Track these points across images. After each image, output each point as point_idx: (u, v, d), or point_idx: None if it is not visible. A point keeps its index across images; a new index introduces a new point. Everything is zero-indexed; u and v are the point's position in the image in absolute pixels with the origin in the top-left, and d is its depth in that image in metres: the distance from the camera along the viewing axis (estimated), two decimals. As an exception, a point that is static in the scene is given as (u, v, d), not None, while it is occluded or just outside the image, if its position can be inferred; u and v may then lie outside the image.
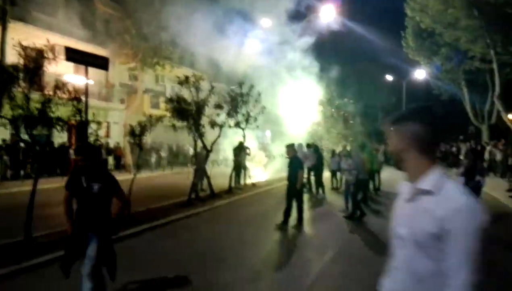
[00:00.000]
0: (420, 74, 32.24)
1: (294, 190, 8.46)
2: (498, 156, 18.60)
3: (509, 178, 13.96)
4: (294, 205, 8.56)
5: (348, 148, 14.63)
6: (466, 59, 20.82)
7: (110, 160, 21.72)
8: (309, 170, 13.56)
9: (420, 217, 1.53)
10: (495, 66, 17.58)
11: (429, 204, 1.52)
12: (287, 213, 8.40)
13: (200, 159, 13.05)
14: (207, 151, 12.65)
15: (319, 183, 13.38)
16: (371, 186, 12.91)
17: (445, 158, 25.69)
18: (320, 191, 13.29)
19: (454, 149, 26.04)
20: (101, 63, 7.18)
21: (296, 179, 8.38)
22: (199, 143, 12.33)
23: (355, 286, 5.18)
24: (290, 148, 8.78)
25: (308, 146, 14.16)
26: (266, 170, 20.64)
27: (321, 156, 14.08)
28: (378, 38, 34.01)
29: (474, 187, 7.31)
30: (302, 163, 9.12)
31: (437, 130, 1.59)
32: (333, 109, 24.31)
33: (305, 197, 12.25)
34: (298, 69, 21.50)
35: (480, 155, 24.37)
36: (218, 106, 12.68)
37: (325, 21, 23.79)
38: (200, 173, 12.56)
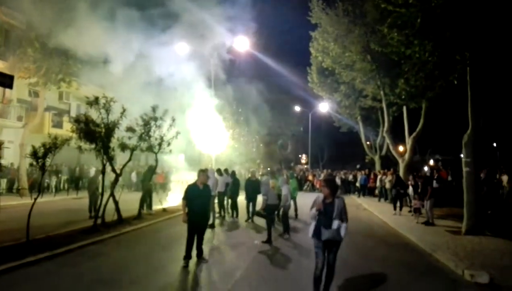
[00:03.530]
0: (323, 107, 35.07)
1: (200, 221, 7.67)
2: (387, 184, 20.92)
3: (394, 204, 15.93)
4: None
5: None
6: (361, 97, 23.44)
7: (3, 183, 19.59)
8: (223, 194, 13.94)
9: None
10: (384, 105, 20.14)
11: None
12: (190, 247, 7.56)
13: (93, 183, 13.15)
14: (117, 175, 12.29)
15: (234, 207, 13.91)
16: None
17: (343, 184, 28.16)
18: (235, 214, 13.86)
19: (351, 177, 28.66)
20: (6, 81, 6.73)
21: (206, 209, 7.74)
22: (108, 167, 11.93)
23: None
24: (204, 173, 7.94)
25: (223, 171, 14.40)
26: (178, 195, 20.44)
27: (238, 181, 14.52)
28: (289, 71, 36.48)
29: (326, 242, 5.32)
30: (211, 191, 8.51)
31: None
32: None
33: (217, 222, 12.59)
34: (211, 94, 21.96)
35: (347, 184, 26.40)
36: (130, 129, 12.45)
37: (239, 51, 24.90)
38: (95, 197, 12.45)
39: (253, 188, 12.99)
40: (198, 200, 7.53)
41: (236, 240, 10.28)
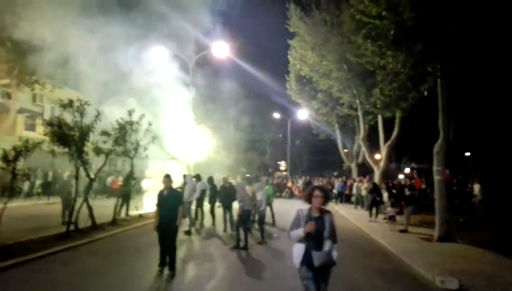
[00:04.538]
0: (302, 114, 35.41)
1: (168, 229, 7.31)
2: (363, 191, 21.23)
3: (370, 211, 16.22)
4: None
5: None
6: (338, 105, 23.80)
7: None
8: (199, 201, 13.82)
9: None
10: (359, 113, 20.56)
11: None
12: (162, 254, 7.49)
13: (66, 188, 12.92)
14: (90, 180, 12.07)
15: (212, 214, 13.66)
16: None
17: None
18: (211, 221, 13.59)
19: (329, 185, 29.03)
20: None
21: (172, 216, 7.26)
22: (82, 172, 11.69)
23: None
24: (168, 178, 7.51)
25: (196, 177, 14.22)
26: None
27: (215, 187, 14.25)
28: (268, 78, 36.84)
29: None
30: (182, 197, 8.06)
31: None
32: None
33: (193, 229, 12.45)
34: (189, 100, 21.85)
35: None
36: (105, 133, 12.29)
37: (219, 57, 24.96)
38: (67, 202, 12.23)
39: (227, 195, 12.69)
40: (163, 207, 7.37)
41: (211, 247, 10.24)
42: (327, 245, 4.20)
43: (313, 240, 4.20)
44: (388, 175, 23.03)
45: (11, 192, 9.82)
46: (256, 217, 11.95)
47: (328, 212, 4.39)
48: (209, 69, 25.73)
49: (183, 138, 19.72)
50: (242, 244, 9.68)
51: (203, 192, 13.80)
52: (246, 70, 33.28)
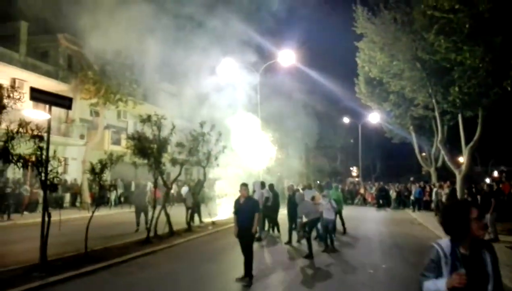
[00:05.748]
0: (373, 118, 34.17)
1: (245, 236, 7.44)
2: (444, 197, 19.82)
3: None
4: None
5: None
6: (412, 107, 22.58)
7: (67, 197, 21.13)
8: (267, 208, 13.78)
9: None
10: (436, 113, 19.26)
11: None
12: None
13: (141, 196, 13.65)
14: (167, 188, 12.86)
15: (275, 222, 13.56)
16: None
17: (398, 197, 27.15)
18: (276, 230, 13.51)
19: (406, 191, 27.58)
20: (65, 103, 7.47)
21: (248, 223, 7.33)
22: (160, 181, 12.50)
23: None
24: (245, 187, 7.65)
25: (260, 184, 13.71)
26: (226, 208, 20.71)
27: (277, 195, 13.99)
28: (336, 83, 36.18)
29: None
30: (259, 205, 8.13)
31: None
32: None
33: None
34: (257, 106, 22.25)
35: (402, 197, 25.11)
36: (180, 145, 13.04)
37: (284, 65, 25.20)
38: (140, 210, 13.05)
39: (294, 205, 11.42)
40: (239, 214, 7.53)
41: (280, 255, 10.30)
42: None
43: None
44: (473, 179, 21.21)
45: (99, 201, 10.82)
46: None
47: (487, 243, 2.63)
48: (276, 75, 25.97)
49: (251, 144, 20.07)
50: (308, 252, 9.56)
51: (266, 200, 13.58)
52: (313, 76, 33.07)
